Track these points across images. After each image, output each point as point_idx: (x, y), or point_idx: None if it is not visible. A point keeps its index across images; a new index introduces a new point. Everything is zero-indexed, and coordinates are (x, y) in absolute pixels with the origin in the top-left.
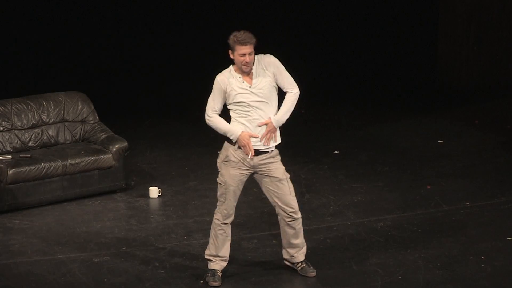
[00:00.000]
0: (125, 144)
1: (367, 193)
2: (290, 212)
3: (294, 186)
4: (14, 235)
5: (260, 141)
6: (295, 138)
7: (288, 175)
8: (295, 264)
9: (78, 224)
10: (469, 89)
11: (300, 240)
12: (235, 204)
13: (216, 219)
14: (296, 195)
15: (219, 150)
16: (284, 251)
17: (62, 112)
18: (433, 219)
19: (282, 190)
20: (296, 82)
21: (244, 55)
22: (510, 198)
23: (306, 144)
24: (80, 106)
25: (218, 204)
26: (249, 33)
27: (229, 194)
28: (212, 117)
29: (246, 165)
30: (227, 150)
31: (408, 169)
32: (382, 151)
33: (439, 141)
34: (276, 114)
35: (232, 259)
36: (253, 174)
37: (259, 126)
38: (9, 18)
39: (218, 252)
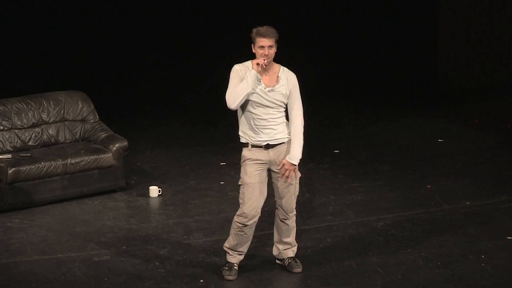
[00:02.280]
0: (125, 143)
1: (367, 192)
2: (288, 212)
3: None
4: (14, 234)
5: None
6: None
7: (299, 175)
8: (283, 260)
9: (78, 223)
10: (469, 89)
11: (291, 239)
12: (258, 204)
13: (235, 221)
14: (299, 196)
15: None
16: (274, 247)
17: (62, 111)
18: (433, 218)
19: (288, 191)
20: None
21: (263, 47)
22: (510, 197)
23: (306, 143)
24: (80, 105)
25: (239, 208)
26: (272, 28)
27: (248, 192)
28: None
29: (262, 160)
30: (244, 152)
31: (408, 168)
32: (382, 150)
33: (439, 140)
34: (290, 151)
35: None
36: (269, 169)
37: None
38: (10, 18)
39: (237, 248)
